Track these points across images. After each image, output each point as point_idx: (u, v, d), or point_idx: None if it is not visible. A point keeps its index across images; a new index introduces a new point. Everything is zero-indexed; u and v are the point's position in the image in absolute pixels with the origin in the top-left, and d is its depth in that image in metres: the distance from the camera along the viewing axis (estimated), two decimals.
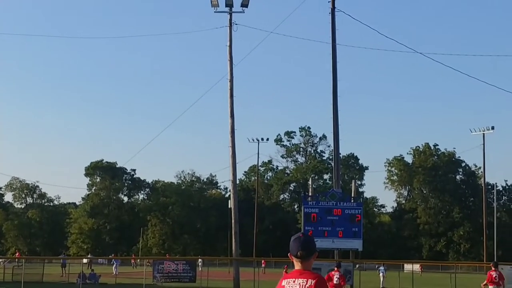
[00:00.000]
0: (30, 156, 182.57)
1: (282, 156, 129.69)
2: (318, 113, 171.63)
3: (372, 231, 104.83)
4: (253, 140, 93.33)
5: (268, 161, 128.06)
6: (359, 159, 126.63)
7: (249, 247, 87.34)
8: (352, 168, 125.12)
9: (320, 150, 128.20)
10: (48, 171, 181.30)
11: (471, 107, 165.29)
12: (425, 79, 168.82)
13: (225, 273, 52.29)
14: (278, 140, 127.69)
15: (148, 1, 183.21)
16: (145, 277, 39.14)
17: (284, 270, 28.21)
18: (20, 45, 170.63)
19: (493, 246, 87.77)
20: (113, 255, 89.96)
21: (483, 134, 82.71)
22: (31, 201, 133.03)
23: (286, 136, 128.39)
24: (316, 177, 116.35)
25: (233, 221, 42.10)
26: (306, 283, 5.18)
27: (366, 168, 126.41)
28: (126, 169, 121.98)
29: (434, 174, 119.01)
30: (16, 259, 60.62)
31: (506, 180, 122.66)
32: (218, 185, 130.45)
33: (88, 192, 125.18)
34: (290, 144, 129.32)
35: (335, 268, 22.35)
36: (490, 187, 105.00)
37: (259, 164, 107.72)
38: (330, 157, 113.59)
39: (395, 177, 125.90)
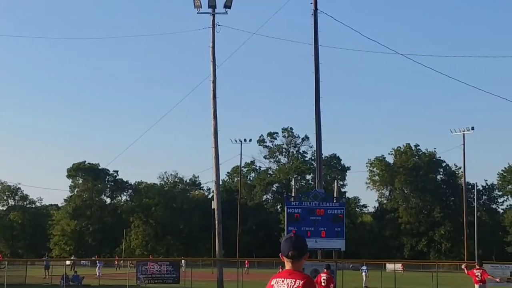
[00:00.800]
0: (12, 158, 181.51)
1: (265, 157, 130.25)
2: (301, 114, 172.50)
3: (354, 231, 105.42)
4: (236, 141, 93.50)
5: (251, 162, 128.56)
6: (341, 160, 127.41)
7: (233, 247, 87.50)
8: (335, 168, 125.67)
9: (303, 151, 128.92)
10: (30, 173, 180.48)
11: (452, 108, 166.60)
12: (406, 80, 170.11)
13: (208, 274, 52.42)
14: (261, 141, 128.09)
15: (131, 2, 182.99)
16: (128, 278, 39.20)
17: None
18: (0, 46, 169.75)
19: (474, 245, 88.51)
20: (96, 256, 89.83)
21: (463, 134, 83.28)
22: (13, 203, 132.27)
23: (268, 137, 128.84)
24: (299, 178, 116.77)
25: (216, 221, 42.27)
26: (294, 284, 5.22)
27: (348, 168, 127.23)
28: (108, 170, 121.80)
29: (415, 174, 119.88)
30: None
31: (486, 180, 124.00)
32: (201, 186, 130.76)
33: (70, 194, 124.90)
34: (272, 145, 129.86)
35: (324, 270, 22.59)
36: (470, 186, 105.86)
37: (242, 165, 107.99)
38: (313, 158, 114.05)
39: (376, 177, 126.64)
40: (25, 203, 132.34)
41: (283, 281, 5.33)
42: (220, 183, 48.51)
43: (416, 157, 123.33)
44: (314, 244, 40.10)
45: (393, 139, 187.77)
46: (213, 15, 42.96)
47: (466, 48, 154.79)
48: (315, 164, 47.64)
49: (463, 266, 26.98)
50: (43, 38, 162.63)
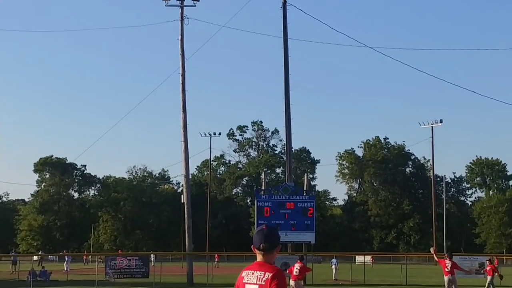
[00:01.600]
0: None
1: (235, 151, 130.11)
2: (270, 107, 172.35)
3: (324, 224, 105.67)
4: (205, 134, 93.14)
5: (221, 155, 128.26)
6: (311, 153, 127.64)
7: (202, 241, 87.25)
8: (304, 161, 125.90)
9: (273, 144, 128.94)
10: None
11: (420, 101, 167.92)
12: (375, 73, 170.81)
13: (178, 268, 52.14)
14: (231, 135, 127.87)
15: None
16: (97, 273, 38.75)
17: None
18: None
19: (443, 237, 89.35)
20: (64, 251, 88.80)
21: (432, 127, 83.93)
22: None
23: (238, 131, 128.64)
24: (269, 171, 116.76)
25: (186, 216, 42.04)
26: (264, 276, 5.14)
27: (318, 161, 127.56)
28: (76, 165, 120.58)
29: (385, 167, 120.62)
30: None
31: (454, 172, 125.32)
32: (171, 180, 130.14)
33: (37, 189, 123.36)
34: (242, 138, 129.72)
35: (298, 261, 22.58)
36: (439, 179, 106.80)
37: (212, 158, 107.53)
38: (283, 151, 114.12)
39: (346, 170, 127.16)
40: None
41: (253, 273, 5.25)
42: (190, 177, 48.24)
43: (385, 150, 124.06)
44: (284, 238, 40.06)
45: (363, 132, 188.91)
46: (182, 8, 42.67)
47: (434, 41, 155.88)
48: (285, 158, 47.68)
49: (432, 250, 27.04)
50: (9, 31, 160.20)
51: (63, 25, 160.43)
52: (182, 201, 53.42)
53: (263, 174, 54.23)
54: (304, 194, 41.89)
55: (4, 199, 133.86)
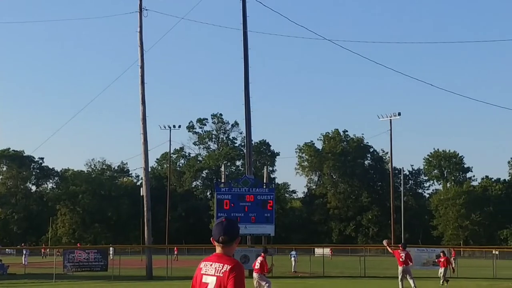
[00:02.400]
0: None
1: (195, 143, 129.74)
2: (230, 100, 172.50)
3: (283, 217, 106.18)
4: (165, 127, 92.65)
5: (180, 148, 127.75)
6: (270, 146, 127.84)
7: (162, 234, 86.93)
8: (264, 154, 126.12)
9: (232, 137, 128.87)
10: None
11: (379, 94, 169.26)
12: (334, 66, 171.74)
13: (137, 261, 51.87)
14: (190, 127, 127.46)
15: None
16: (55, 266, 38.40)
17: None
18: None
19: (401, 229, 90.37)
20: (22, 245, 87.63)
21: (390, 120, 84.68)
22: None
23: (198, 123, 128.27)
24: (229, 164, 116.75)
25: (145, 208, 41.85)
26: (222, 268, 5.17)
27: (278, 154, 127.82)
28: (33, 157, 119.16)
29: (344, 159, 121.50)
30: None
31: (412, 165, 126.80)
32: (130, 173, 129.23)
33: None
34: (202, 131, 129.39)
35: (262, 254, 22.61)
36: (397, 171, 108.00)
37: (171, 151, 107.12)
38: (242, 144, 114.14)
39: (305, 163, 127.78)
40: None
41: (211, 265, 5.28)
42: (149, 170, 47.97)
43: (345, 143, 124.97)
44: (244, 230, 40.12)
45: (322, 124, 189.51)
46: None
47: (392, 35, 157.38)
48: (245, 150, 47.65)
49: (385, 243, 27.48)
50: None
51: (20, 16, 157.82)
52: (141, 194, 53.12)
53: (223, 167, 54.04)
54: (264, 186, 41.99)
55: None
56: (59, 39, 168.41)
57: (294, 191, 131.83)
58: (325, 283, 32.07)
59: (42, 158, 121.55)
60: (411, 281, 25.47)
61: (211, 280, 5.21)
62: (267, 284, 21.68)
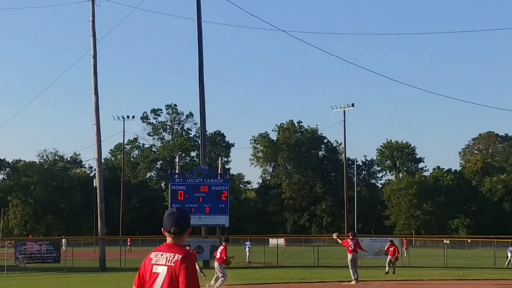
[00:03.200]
0: None
1: (149, 134, 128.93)
2: (185, 90, 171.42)
3: (238, 207, 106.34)
4: (118, 118, 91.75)
5: (134, 139, 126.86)
6: (225, 137, 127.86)
7: (115, 226, 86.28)
8: (219, 145, 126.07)
9: (187, 128, 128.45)
10: None
11: (333, 85, 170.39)
12: (289, 57, 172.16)
13: (90, 253, 51.41)
14: (144, 118, 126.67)
15: None
16: (6, 258, 37.85)
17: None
18: None
19: (354, 219, 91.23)
20: None
21: (344, 111, 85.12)
22: None
23: (152, 114, 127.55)
24: (183, 155, 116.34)
25: (98, 200, 41.49)
26: (173, 258, 5.18)
27: (232, 145, 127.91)
28: None
29: (298, 150, 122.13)
30: None
31: (366, 156, 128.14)
32: (83, 164, 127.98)
33: None
34: (156, 121, 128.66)
35: (223, 243, 22.67)
36: (350, 162, 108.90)
37: (125, 142, 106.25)
38: (197, 135, 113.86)
39: (260, 154, 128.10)
40: None
41: (162, 255, 5.27)
42: (102, 160, 47.49)
43: (299, 134, 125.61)
44: (198, 221, 40.09)
45: (277, 115, 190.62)
46: None
47: (346, 26, 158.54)
48: (200, 141, 47.58)
49: (334, 236, 27.91)
50: None
51: None
52: (94, 185, 52.58)
53: (177, 158, 53.99)
54: (218, 177, 42.00)
55: None
56: (10, 28, 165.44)
57: (248, 182, 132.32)
58: (279, 273, 32.22)
59: None
60: (352, 271, 25.86)
61: (162, 270, 5.20)
62: (222, 278, 21.67)
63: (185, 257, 5.20)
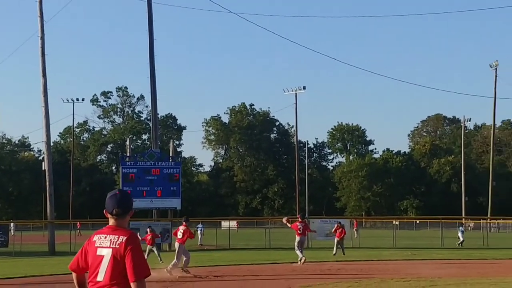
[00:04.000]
0: None
1: (99, 117, 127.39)
2: (136, 73, 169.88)
3: (190, 190, 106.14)
4: (68, 100, 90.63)
5: (84, 122, 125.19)
6: (177, 119, 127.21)
7: (65, 209, 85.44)
8: (170, 128, 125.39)
9: (138, 111, 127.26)
10: None
11: (284, 68, 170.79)
12: (240, 40, 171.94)
13: (39, 237, 50.76)
14: (94, 101, 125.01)
15: None
16: None
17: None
18: None
19: (305, 201, 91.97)
20: None
21: (295, 93, 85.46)
22: None
23: (102, 96, 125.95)
24: (134, 138, 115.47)
25: (47, 183, 40.95)
26: (118, 240, 5.16)
27: (184, 128, 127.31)
28: None
29: (250, 133, 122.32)
30: None
31: (317, 138, 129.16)
32: (31, 147, 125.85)
33: None
34: (107, 104, 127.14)
35: (183, 223, 22.48)
36: (302, 145, 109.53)
37: (75, 125, 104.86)
38: (148, 118, 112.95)
39: (212, 137, 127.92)
40: None
41: (105, 237, 5.25)
42: (51, 144, 46.85)
43: (251, 116, 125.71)
44: (150, 204, 39.93)
45: (229, 98, 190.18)
46: None
47: (297, 8, 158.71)
48: (151, 124, 47.23)
49: (284, 220, 28.14)
50: None
51: None
52: (43, 168, 51.84)
53: (128, 141, 53.55)
54: (170, 160, 41.80)
55: None
56: None
57: (201, 165, 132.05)
58: (230, 255, 32.30)
59: None
60: (299, 252, 26.08)
61: (106, 252, 5.17)
62: (185, 258, 21.50)
63: (129, 239, 5.19)
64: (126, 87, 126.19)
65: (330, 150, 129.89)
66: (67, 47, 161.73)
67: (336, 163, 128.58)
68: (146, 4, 43.04)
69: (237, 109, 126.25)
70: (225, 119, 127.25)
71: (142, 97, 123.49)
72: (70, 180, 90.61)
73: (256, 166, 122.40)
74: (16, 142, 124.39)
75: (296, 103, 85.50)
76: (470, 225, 73.58)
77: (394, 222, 56.75)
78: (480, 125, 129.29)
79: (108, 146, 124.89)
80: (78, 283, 5.46)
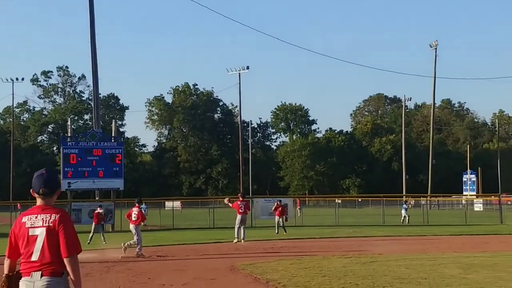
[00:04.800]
0: None
1: (39, 97, 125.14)
2: (77, 51, 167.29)
3: (133, 171, 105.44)
4: (7, 80, 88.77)
5: (24, 102, 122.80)
6: (119, 99, 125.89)
7: (6, 191, 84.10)
8: (113, 108, 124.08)
9: (80, 90, 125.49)
10: None
11: (228, 48, 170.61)
12: (184, 19, 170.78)
13: None
14: (35, 80, 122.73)
15: None
16: None
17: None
18: None
19: (249, 181, 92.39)
20: None
21: (239, 73, 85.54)
22: None
23: (43, 76, 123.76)
24: (76, 118, 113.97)
25: None
26: (50, 218, 5.20)
27: (127, 108, 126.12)
28: None
29: (194, 113, 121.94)
30: None
31: (261, 118, 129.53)
32: None
33: None
34: (47, 84, 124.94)
35: (136, 204, 22.28)
36: (245, 125, 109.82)
37: (14, 105, 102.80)
38: (90, 97, 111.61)
39: (155, 117, 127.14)
40: None
41: (36, 217, 5.28)
42: None
43: (195, 96, 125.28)
44: (92, 185, 39.61)
45: (172, 78, 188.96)
46: None
47: None
48: (93, 104, 46.69)
49: (226, 201, 28.37)
50: None
51: None
52: None
53: (69, 121, 52.73)
54: (112, 140, 41.44)
55: None
56: None
57: (144, 145, 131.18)
58: (174, 235, 32.31)
59: None
60: (242, 230, 26.42)
61: (40, 232, 5.21)
62: (137, 238, 21.35)
63: (62, 216, 5.26)
64: (67, 67, 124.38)
65: (273, 130, 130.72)
66: (6, 26, 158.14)
67: (280, 142, 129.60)
68: None
69: (180, 89, 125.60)
70: (169, 99, 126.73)
71: (83, 76, 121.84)
72: (10, 161, 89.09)
73: (200, 146, 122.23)
74: None
75: (239, 83, 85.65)
76: (411, 203, 75.10)
77: (336, 201, 57.40)
78: (420, 105, 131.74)
79: (49, 127, 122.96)
80: (10, 269, 5.40)
